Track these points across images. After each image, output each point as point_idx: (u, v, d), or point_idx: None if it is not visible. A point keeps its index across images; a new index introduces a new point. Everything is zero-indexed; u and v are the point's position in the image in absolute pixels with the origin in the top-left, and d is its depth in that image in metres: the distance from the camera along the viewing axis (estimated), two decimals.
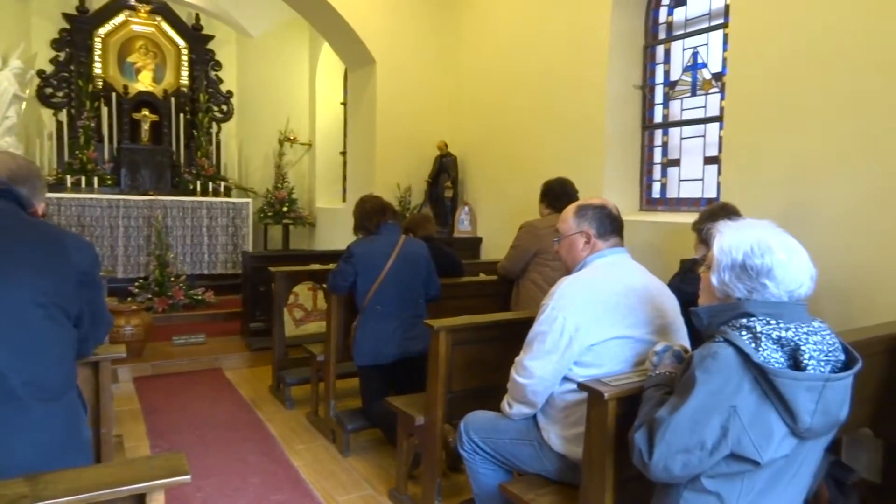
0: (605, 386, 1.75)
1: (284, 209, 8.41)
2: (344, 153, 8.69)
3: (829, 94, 3.15)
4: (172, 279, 6.34)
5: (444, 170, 6.32)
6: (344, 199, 8.41)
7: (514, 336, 2.28)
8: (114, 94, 7.53)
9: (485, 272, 4.54)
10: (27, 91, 7.18)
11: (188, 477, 1.21)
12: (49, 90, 7.43)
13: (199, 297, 6.42)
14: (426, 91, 6.53)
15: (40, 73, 7.39)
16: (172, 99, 7.84)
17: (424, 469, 2.76)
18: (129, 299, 5.84)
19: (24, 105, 7.13)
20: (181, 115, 7.85)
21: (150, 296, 6.16)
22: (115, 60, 7.76)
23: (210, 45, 8.31)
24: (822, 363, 1.39)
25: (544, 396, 2.07)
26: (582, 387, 1.82)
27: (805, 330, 1.41)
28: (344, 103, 8.74)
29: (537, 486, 2.08)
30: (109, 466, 1.33)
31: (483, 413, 2.33)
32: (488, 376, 2.70)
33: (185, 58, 8.09)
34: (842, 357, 1.44)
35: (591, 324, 1.98)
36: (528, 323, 2.14)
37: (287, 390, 4.29)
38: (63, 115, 7.40)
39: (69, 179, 7.04)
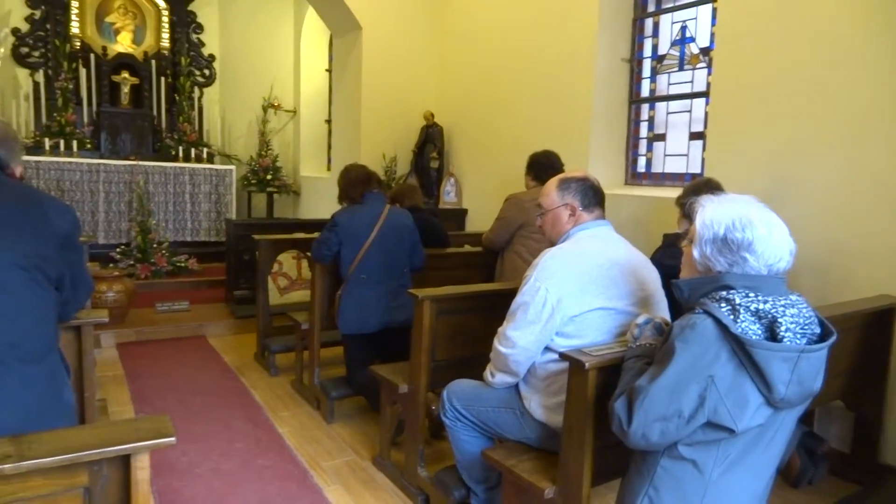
0: (586, 356, 1.79)
1: (268, 177, 8.33)
2: (329, 121, 8.59)
3: (817, 73, 3.17)
4: (155, 246, 6.29)
5: (430, 140, 6.28)
6: (329, 168, 8.34)
7: (498, 307, 2.30)
8: (92, 56, 7.32)
9: (470, 243, 4.56)
10: (1, 50, 6.97)
11: (173, 439, 1.22)
12: (25, 49, 7.20)
13: (183, 265, 6.38)
14: (413, 60, 6.45)
15: (15, 31, 7.15)
16: (153, 61, 7.65)
17: (408, 436, 2.80)
18: (111, 265, 5.79)
19: None
20: (162, 79, 7.67)
21: (132, 262, 6.11)
22: (93, 20, 7.53)
23: (191, 7, 8.09)
24: (799, 335, 1.42)
25: (526, 366, 2.10)
26: (563, 357, 1.85)
27: (782, 303, 1.44)
28: (329, 70, 8.60)
29: (518, 453, 2.13)
30: (94, 427, 1.34)
31: (466, 381, 2.36)
32: (471, 346, 2.73)
33: (165, 19, 7.87)
34: (817, 330, 1.48)
35: (574, 295, 2.00)
36: (511, 294, 2.16)
37: (271, 358, 4.30)
38: (40, 76, 7.19)
39: (47, 142, 6.88)
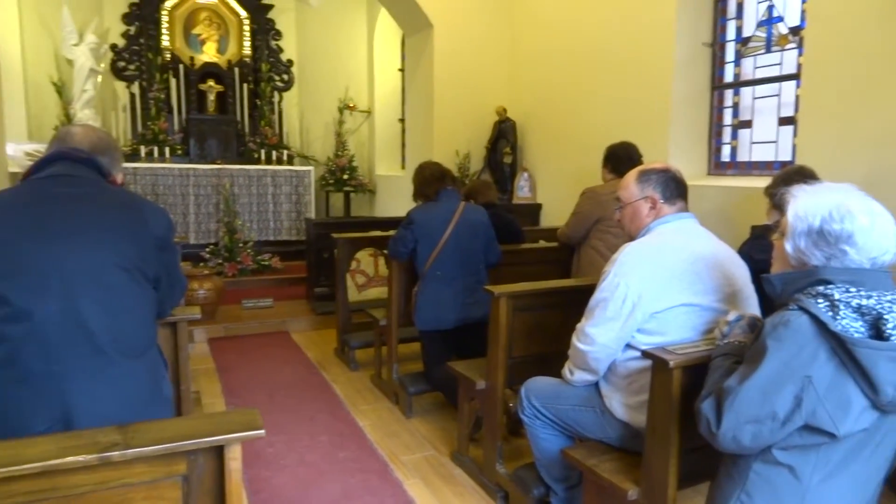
0: (671, 354, 1.73)
1: (345, 177, 8.54)
2: (402, 120, 8.70)
3: None
4: (241, 245, 6.57)
5: (503, 135, 6.24)
6: (403, 167, 8.45)
7: (576, 303, 2.27)
8: (181, 66, 7.74)
9: (545, 239, 4.50)
10: (102, 65, 7.50)
11: (262, 432, 1.27)
12: (122, 63, 7.70)
13: (266, 263, 6.63)
14: (484, 55, 6.43)
15: (113, 47, 7.66)
16: (236, 69, 7.99)
17: (485, 433, 2.81)
18: (202, 264, 6.09)
19: (99, 78, 7.47)
20: (244, 85, 8.01)
21: (220, 261, 6.40)
22: (181, 33, 7.95)
23: (270, 15, 8.39)
24: None
25: (606, 364, 2.06)
26: (646, 355, 1.80)
27: (889, 298, 1.34)
28: (402, 69, 8.71)
29: (599, 453, 2.08)
30: (191, 419, 1.42)
31: (544, 379, 2.33)
32: (549, 343, 2.70)
33: (246, 28, 8.20)
34: None
35: (655, 291, 1.94)
36: (589, 290, 2.12)
37: (351, 353, 4.41)
38: (135, 88, 7.68)
39: (143, 150, 7.34)
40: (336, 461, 3.02)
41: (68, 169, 1.65)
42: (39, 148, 6.23)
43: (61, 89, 7.26)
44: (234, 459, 1.27)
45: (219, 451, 1.26)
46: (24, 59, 7.29)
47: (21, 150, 6.41)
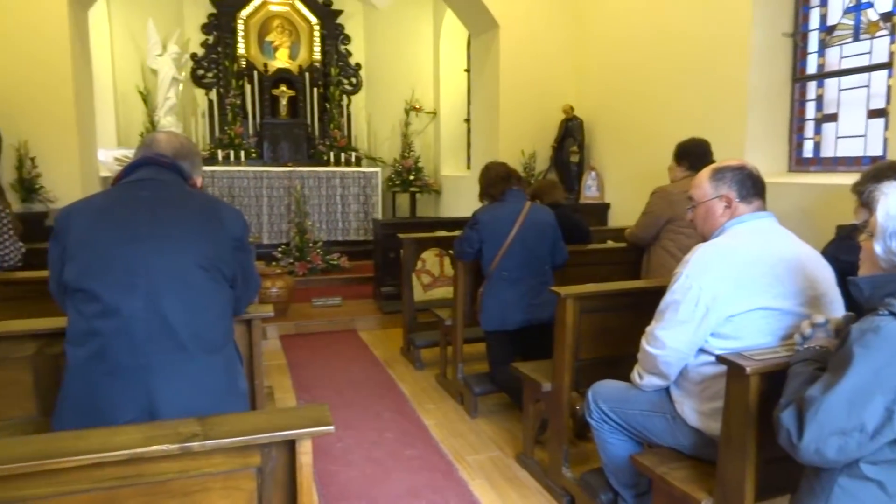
0: (747, 360, 1.65)
1: (411, 177, 8.64)
2: (468, 120, 8.72)
3: None
4: (311, 245, 6.76)
5: (570, 134, 6.15)
6: (468, 167, 8.46)
7: (645, 305, 2.20)
8: (255, 73, 8.04)
9: (612, 239, 4.41)
10: (183, 73, 7.90)
11: (332, 427, 1.30)
12: (201, 71, 8.09)
13: (335, 263, 6.79)
14: (551, 53, 6.35)
15: (193, 56, 8.06)
16: (307, 74, 8.23)
17: (551, 435, 2.77)
18: (274, 263, 6.30)
19: (181, 86, 7.88)
20: (315, 90, 8.24)
21: (291, 260, 6.60)
22: (256, 40, 8.26)
23: (339, 20, 8.59)
24: None
25: (677, 368, 1.99)
26: (721, 360, 1.73)
27: None
28: (468, 70, 8.72)
29: (670, 460, 2.02)
30: (265, 414, 1.47)
31: (612, 382, 2.28)
32: (617, 345, 2.64)
33: (316, 34, 8.43)
34: None
35: (731, 293, 1.86)
36: (659, 292, 2.06)
37: (417, 352, 4.46)
38: (213, 94, 8.05)
39: (220, 154, 7.68)
40: (402, 458, 3.06)
41: (154, 174, 1.75)
42: (127, 153, 6.63)
43: (146, 98, 7.71)
44: (305, 454, 1.30)
45: (291, 445, 1.30)
46: (114, 71, 7.78)
47: (111, 156, 6.85)
